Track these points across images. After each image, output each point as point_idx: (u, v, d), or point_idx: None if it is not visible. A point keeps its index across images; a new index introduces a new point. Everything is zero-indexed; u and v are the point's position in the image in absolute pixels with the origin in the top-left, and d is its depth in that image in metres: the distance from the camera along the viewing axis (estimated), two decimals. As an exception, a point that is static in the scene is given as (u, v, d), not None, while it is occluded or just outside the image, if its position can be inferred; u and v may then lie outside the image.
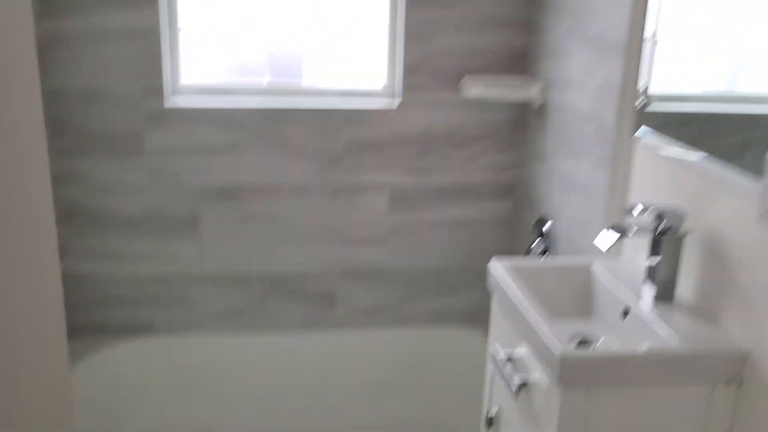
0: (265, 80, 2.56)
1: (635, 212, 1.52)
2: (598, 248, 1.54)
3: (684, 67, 1.64)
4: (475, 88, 2.43)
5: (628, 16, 1.77)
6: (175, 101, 2.42)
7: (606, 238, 1.49)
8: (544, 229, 2.34)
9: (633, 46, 1.77)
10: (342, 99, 2.55)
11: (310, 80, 2.59)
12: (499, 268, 1.70)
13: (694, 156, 1.50)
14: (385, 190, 2.58)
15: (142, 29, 2.31)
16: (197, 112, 2.42)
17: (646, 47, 1.70)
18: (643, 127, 1.71)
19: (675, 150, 1.57)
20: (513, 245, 2.67)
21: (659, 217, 1.49)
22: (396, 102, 2.53)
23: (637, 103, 1.74)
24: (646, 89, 1.71)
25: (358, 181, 2.56)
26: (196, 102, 2.44)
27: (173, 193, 2.48)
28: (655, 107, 1.70)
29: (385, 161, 2.55)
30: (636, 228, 1.47)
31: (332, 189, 2.55)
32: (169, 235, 2.52)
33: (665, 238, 1.49)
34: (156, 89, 2.37)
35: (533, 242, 2.37)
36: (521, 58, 2.51)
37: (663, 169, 1.64)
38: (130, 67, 2.34)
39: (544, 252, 2.32)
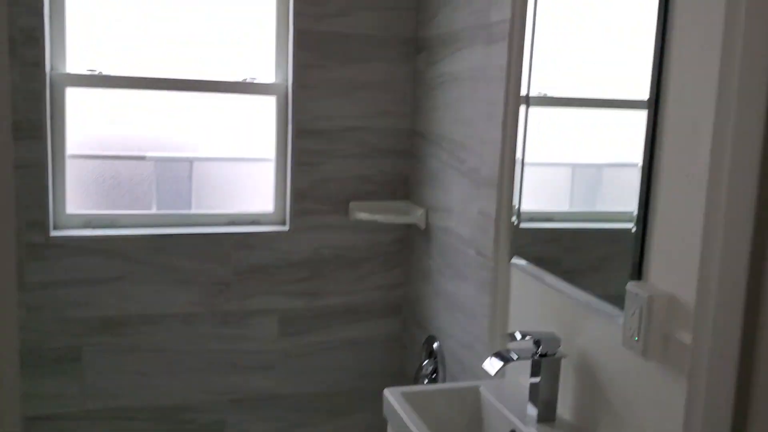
0: (152, 209, 2.55)
1: (516, 337, 1.62)
2: (485, 370, 1.62)
3: (550, 187, 1.81)
4: (362, 213, 2.54)
5: (499, 153, 1.94)
6: (58, 233, 2.37)
7: (492, 365, 1.57)
8: (434, 346, 2.41)
9: (504, 180, 1.93)
10: (230, 225, 2.58)
11: (198, 207, 2.61)
12: (391, 397, 1.74)
13: (563, 284, 1.63)
14: (274, 315, 2.59)
15: (28, 161, 2.28)
16: (81, 242, 2.37)
17: (516, 171, 1.87)
18: (516, 256, 1.85)
19: (546, 276, 1.71)
20: (403, 364, 2.72)
21: (537, 343, 1.60)
22: (285, 226, 2.59)
23: (512, 219, 1.88)
24: (518, 210, 1.86)
25: (247, 307, 2.55)
26: (80, 233, 2.39)
27: (54, 327, 2.38)
28: (526, 225, 1.85)
29: (275, 285, 2.57)
30: (516, 356, 1.57)
31: (221, 316, 2.53)
32: (48, 372, 2.39)
33: (544, 361, 1.60)
34: (39, 221, 2.31)
35: (423, 361, 2.43)
36: (405, 185, 2.66)
37: (537, 295, 1.77)
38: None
39: (434, 371, 2.38)
